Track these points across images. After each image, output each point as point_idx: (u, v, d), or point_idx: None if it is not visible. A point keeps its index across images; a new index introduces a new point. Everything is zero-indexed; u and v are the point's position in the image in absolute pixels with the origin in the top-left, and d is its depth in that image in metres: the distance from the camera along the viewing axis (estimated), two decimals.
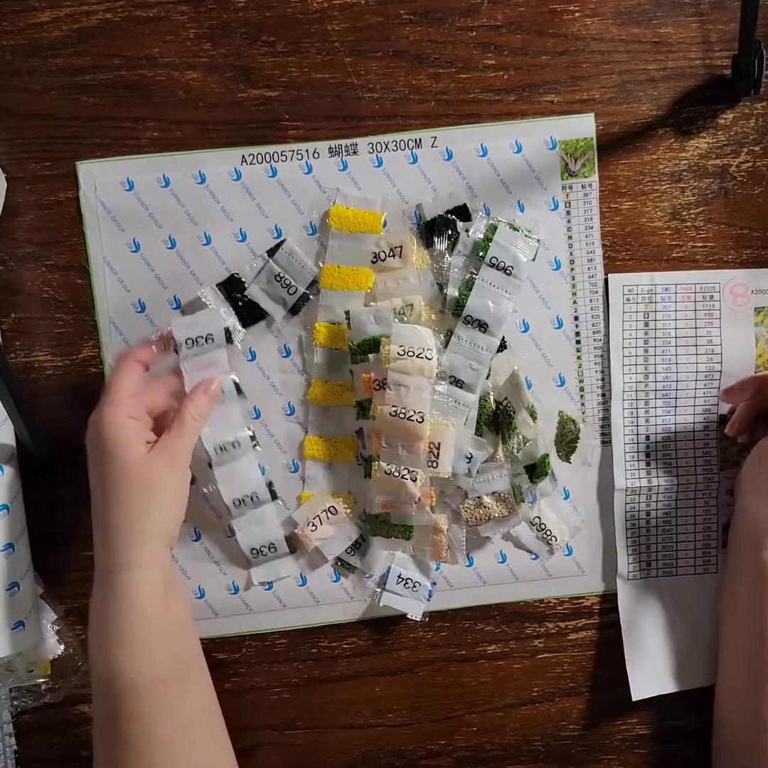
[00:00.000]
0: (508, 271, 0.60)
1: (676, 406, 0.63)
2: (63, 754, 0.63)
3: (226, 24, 0.60)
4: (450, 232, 0.61)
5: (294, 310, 0.61)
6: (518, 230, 0.60)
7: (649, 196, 0.63)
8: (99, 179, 0.61)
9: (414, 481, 0.58)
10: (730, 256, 0.63)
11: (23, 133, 0.60)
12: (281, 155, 0.61)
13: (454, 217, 0.61)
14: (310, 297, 0.61)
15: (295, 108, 0.61)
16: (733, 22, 0.61)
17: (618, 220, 0.63)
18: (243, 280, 0.61)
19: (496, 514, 0.61)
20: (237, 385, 0.59)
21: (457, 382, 0.60)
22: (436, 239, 0.61)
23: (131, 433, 0.53)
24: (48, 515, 0.61)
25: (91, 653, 0.53)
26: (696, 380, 0.63)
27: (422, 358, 0.58)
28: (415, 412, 0.57)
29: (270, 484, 0.61)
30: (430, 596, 0.63)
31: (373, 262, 0.61)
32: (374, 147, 0.61)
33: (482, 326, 0.60)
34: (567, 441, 0.63)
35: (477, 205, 0.61)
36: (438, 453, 0.58)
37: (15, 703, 0.62)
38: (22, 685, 0.61)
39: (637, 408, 0.63)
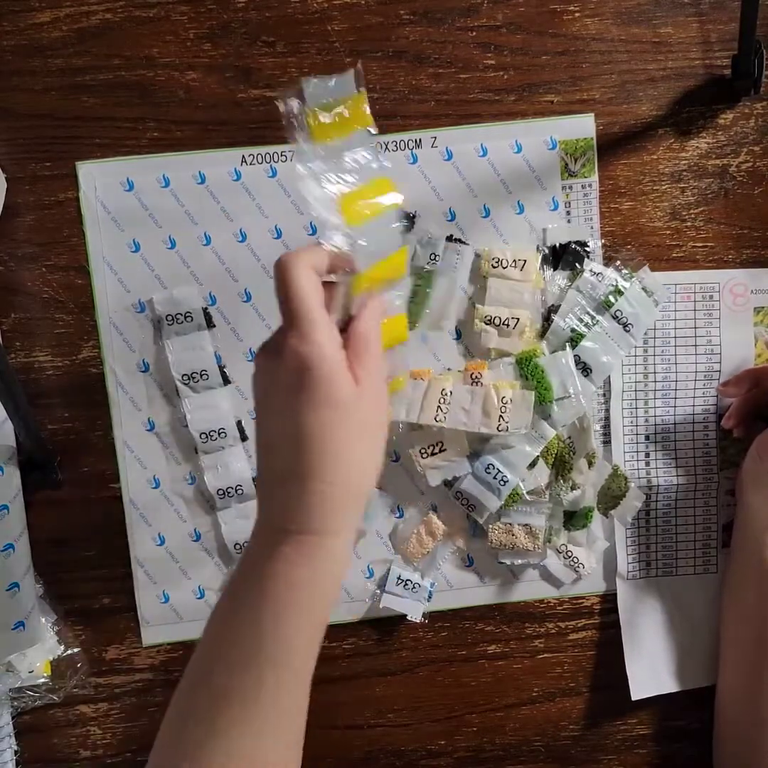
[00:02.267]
0: (627, 328, 0.61)
1: (675, 406, 0.63)
2: (63, 755, 0.63)
3: (226, 24, 0.60)
4: (577, 265, 0.61)
5: None
6: (649, 296, 0.61)
7: (649, 196, 0.63)
8: (99, 179, 0.60)
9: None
10: (729, 256, 0.63)
11: (23, 133, 0.60)
12: (281, 155, 0.61)
13: (584, 252, 0.61)
14: None
15: None
16: (733, 22, 0.61)
17: (618, 220, 0.63)
18: None
19: (521, 546, 0.61)
20: (223, 373, 0.60)
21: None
22: (559, 267, 0.61)
23: (346, 369, 0.40)
24: (48, 515, 0.61)
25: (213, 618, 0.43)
26: (695, 380, 0.63)
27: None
28: None
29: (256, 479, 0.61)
30: (429, 597, 0.62)
31: (494, 267, 0.61)
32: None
33: (586, 370, 0.60)
34: (612, 495, 0.62)
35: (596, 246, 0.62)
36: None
37: (15, 703, 0.62)
38: (23, 686, 0.61)
39: (636, 408, 0.63)
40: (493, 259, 0.61)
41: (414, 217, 0.61)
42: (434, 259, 0.60)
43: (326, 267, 0.42)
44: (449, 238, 0.61)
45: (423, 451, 0.60)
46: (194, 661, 0.43)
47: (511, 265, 0.61)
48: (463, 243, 0.61)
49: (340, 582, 0.43)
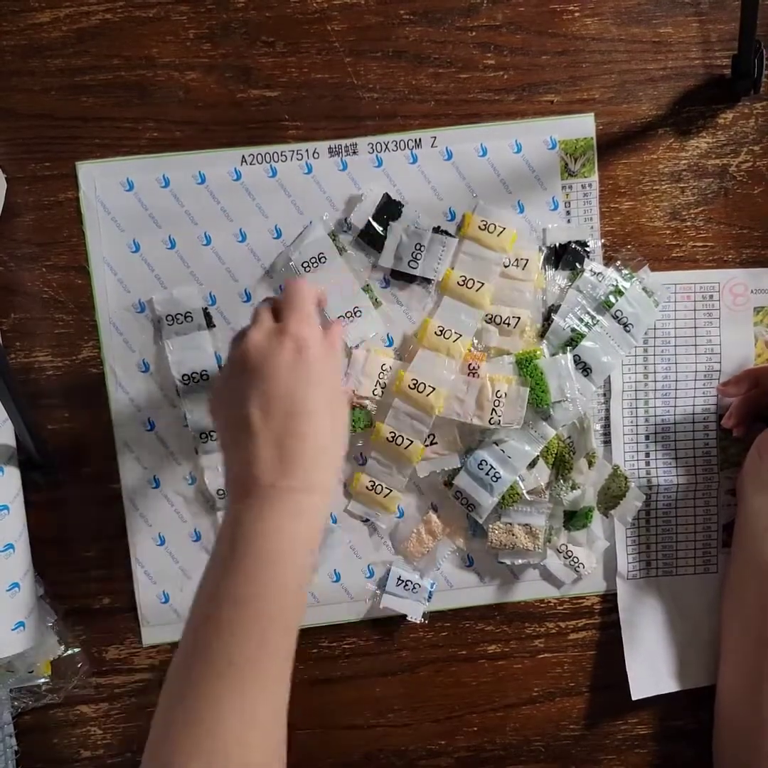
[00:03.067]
0: (627, 328, 0.61)
1: (675, 406, 0.63)
2: (63, 755, 0.63)
3: (225, 24, 0.60)
4: (577, 264, 0.61)
5: None
6: (650, 296, 0.61)
7: (649, 196, 0.63)
8: (99, 179, 0.60)
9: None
10: (729, 256, 0.63)
11: (23, 133, 0.60)
12: (281, 155, 0.61)
13: (584, 251, 0.61)
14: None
15: (295, 108, 0.61)
16: (733, 22, 0.61)
17: (618, 220, 0.63)
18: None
19: (521, 546, 0.61)
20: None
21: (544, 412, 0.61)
22: (559, 267, 0.61)
23: (326, 353, 0.50)
24: (48, 515, 0.61)
25: (207, 581, 0.45)
26: (695, 380, 0.63)
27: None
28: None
29: None
30: (429, 597, 0.62)
31: (506, 267, 0.61)
32: (374, 147, 0.61)
33: (586, 370, 0.60)
34: (611, 495, 0.62)
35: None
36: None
37: (15, 703, 0.62)
38: (23, 686, 0.61)
39: (636, 408, 0.63)
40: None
41: (401, 206, 0.61)
42: (419, 249, 0.60)
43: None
44: (436, 230, 0.61)
45: None
46: (187, 633, 0.45)
47: (513, 264, 0.61)
48: (450, 235, 0.61)
49: (318, 538, 0.48)
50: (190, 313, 0.60)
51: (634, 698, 0.63)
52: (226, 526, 0.46)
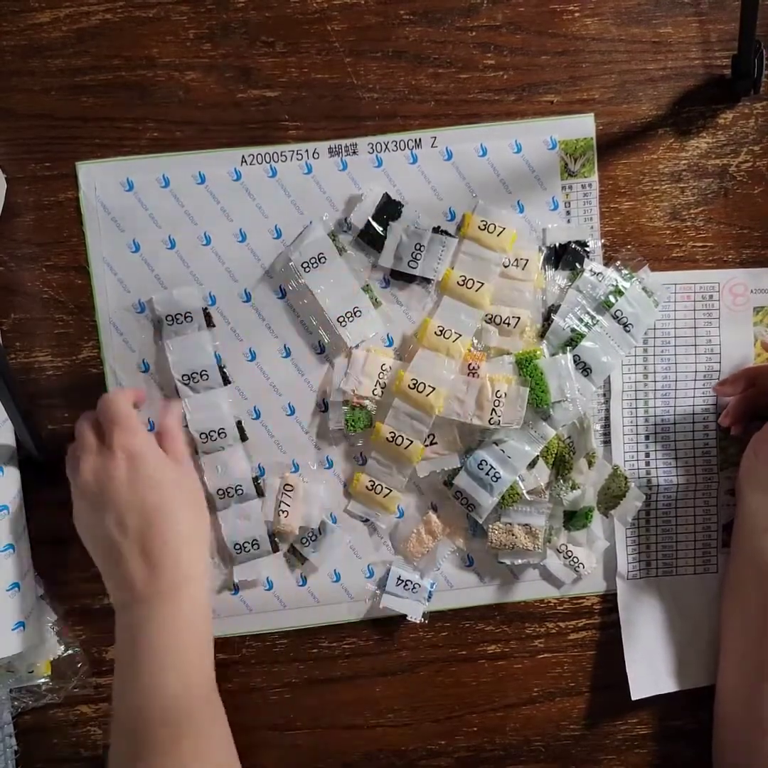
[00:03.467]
0: (627, 328, 0.61)
1: (675, 406, 0.63)
2: (63, 755, 0.63)
3: (225, 24, 0.60)
4: (577, 264, 0.61)
5: None
6: (649, 296, 0.61)
7: (649, 196, 0.63)
8: (99, 179, 0.61)
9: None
10: (729, 256, 0.63)
11: (23, 133, 0.60)
12: (281, 155, 0.61)
13: (584, 251, 0.61)
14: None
15: (295, 108, 0.61)
16: (733, 22, 0.61)
17: (618, 220, 0.63)
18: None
19: (521, 546, 0.61)
20: (223, 373, 0.60)
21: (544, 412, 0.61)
22: (559, 267, 0.61)
23: (164, 453, 0.54)
24: (48, 515, 0.61)
25: (124, 687, 0.52)
26: (695, 380, 0.63)
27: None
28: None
29: (256, 479, 0.61)
30: (429, 597, 0.63)
31: (506, 267, 0.61)
32: (374, 147, 0.61)
33: (586, 370, 0.60)
34: (612, 495, 0.62)
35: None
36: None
37: (15, 703, 0.62)
38: (23, 686, 0.61)
39: (636, 408, 0.63)
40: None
41: (401, 206, 0.61)
42: (419, 249, 0.60)
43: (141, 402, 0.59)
44: (436, 229, 0.61)
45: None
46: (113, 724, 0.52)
47: (513, 264, 0.61)
48: (449, 235, 0.61)
49: (210, 614, 0.55)
50: (190, 313, 0.60)
51: (633, 698, 0.63)
52: (120, 632, 0.53)
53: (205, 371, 0.61)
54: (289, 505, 0.61)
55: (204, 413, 0.60)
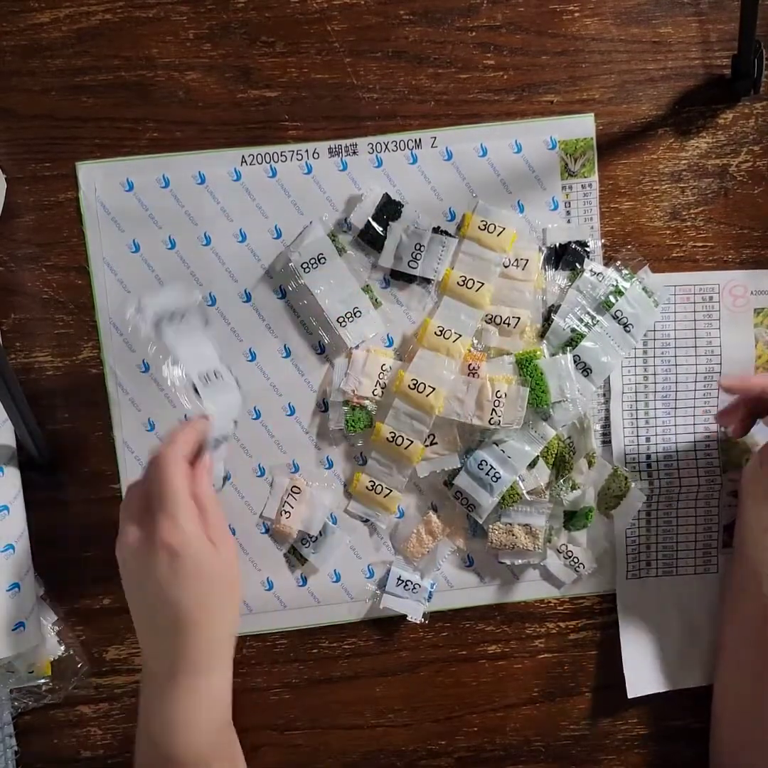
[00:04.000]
0: (627, 329, 0.61)
1: (675, 407, 0.63)
2: (63, 755, 0.63)
3: (225, 24, 0.60)
4: (577, 265, 0.61)
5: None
6: (650, 296, 0.61)
7: (649, 196, 0.63)
8: (99, 180, 0.61)
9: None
10: (729, 256, 0.63)
11: (23, 133, 0.60)
12: (281, 155, 0.61)
13: (584, 252, 0.61)
14: None
15: (294, 108, 0.61)
16: (732, 22, 0.61)
17: (618, 220, 0.63)
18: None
19: (521, 546, 0.61)
20: (207, 315, 0.58)
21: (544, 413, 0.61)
22: (559, 267, 0.61)
23: (206, 542, 0.50)
24: (48, 515, 0.61)
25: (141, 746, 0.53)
26: (695, 381, 0.63)
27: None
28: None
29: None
30: (430, 597, 0.63)
31: (506, 267, 0.61)
32: (374, 147, 0.61)
33: (586, 370, 0.60)
34: (612, 495, 0.62)
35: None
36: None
37: (15, 703, 0.62)
38: (23, 686, 0.61)
39: (636, 408, 0.63)
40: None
41: (401, 206, 0.61)
42: (419, 249, 0.60)
43: (196, 446, 0.52)
44: (436, 230, 0.61)
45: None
46: None
47: (513, 264, 0.61)
48: (449, 235, 0.61)
49: (229, 703, 0.54)
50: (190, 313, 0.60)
51: (629, 696, 0.63)
52: (143, 701, 0.53)
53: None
54: (292, 507, 0.61)
55: (194, 359, 0.55)
